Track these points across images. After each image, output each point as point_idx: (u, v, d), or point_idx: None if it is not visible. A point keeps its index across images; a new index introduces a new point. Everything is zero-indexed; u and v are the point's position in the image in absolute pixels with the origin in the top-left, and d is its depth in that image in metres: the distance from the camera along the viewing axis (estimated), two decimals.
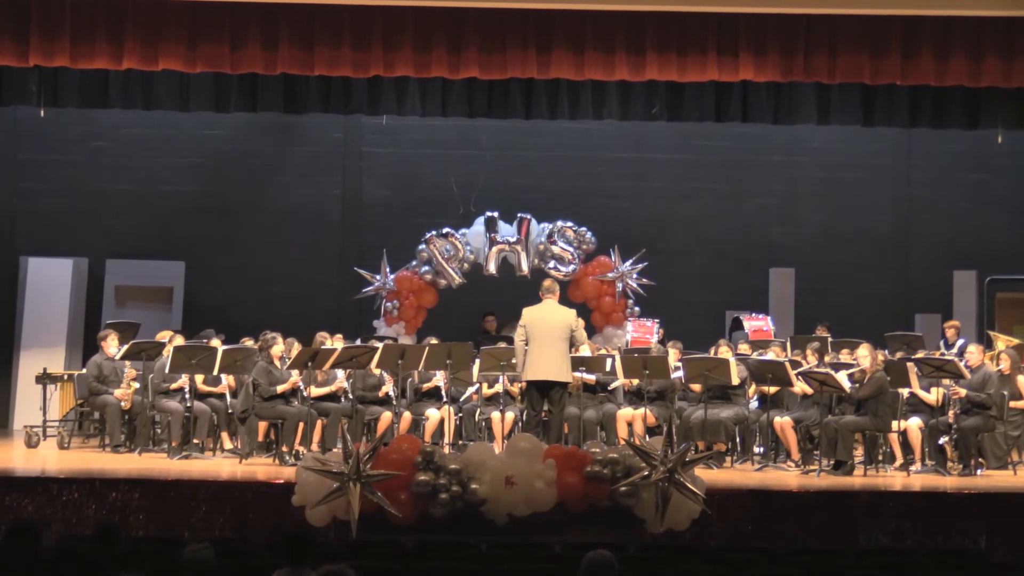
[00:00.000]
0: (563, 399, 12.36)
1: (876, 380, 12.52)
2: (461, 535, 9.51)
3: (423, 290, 17.01)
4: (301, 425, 12.70)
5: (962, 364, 12.84)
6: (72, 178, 17.96)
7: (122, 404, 13.51)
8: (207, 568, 6.86)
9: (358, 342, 14.07)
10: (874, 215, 18.59)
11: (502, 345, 14.05)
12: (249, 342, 13.93)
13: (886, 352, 14.12)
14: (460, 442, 13.23)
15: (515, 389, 13.63)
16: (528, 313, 12.30)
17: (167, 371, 13.30)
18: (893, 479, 12.47)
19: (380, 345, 13.27)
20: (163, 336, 14.24)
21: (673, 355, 13.65)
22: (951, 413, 12.78)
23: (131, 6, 13.77)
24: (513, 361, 12.69)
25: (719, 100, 15.55)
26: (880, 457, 12.95)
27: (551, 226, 17.00)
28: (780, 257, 18.27)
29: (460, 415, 13.73)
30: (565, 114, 15.75)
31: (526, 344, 12.17)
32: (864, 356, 12.72)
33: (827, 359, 13.89)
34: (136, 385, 13.59)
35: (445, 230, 17.00)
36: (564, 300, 15.56)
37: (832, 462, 12.48)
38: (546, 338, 12.11)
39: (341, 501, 9.72)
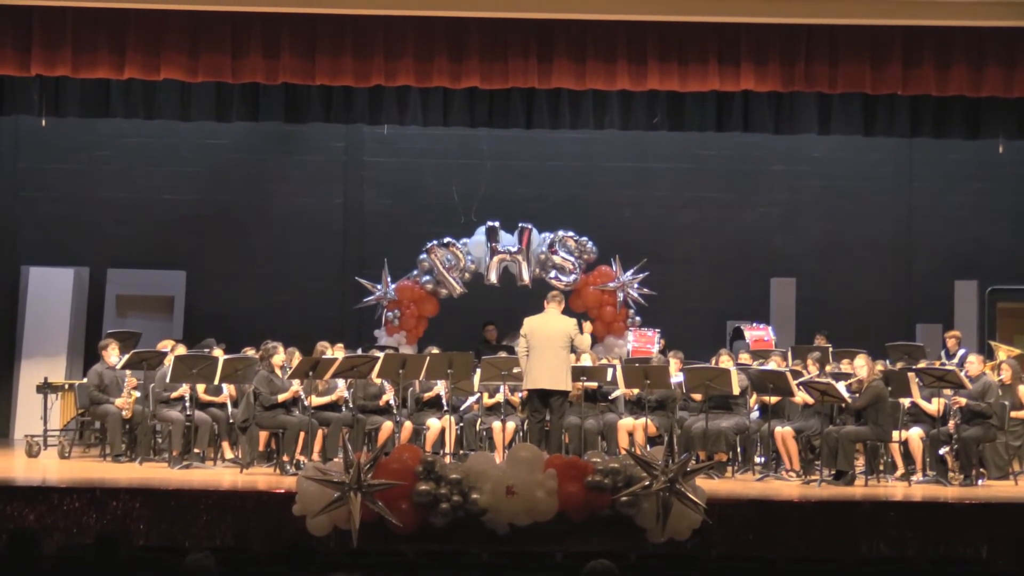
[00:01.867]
0: (563, 407, 12.45)
1: (873, 390, 12.51)
2: (462, 544, 9.51)
3: (424, 299, 17.01)
4: (302, 434, 12.69)
5: (963, 374, 12.83)
6: (73, 187, 17.97)
7: (123, 413, 13.51)
8: None
9: (359, 351, 14.07)
10: (875, 225, 18.60)
11: (503, 355, 14.05)
12: (250, 351, 13.92)
13: (886, 362, 14.11)
14: (461, 452, 13.22)
15: (516, 399, 13.63)
16: (529, 322, 12.46)
17: (168, 380, 13.28)
18: (894, 489, 12.45)
19: (381, 355, 13.26)
20: (164, 345, 14.25)
21: (674, 365, 13.66)
22: (952, 423, 12.77)
23: (133, 16, 13.77)
24: (515, 371, 12.78)
25: (720, 109, 15.59)
26: (881, 467, 12.93)
27: (552, 235, 17.00)
28: (781, 266, 18.27)
29: (461, 425, 13.72)
30: (566, 123, 15.77)
31: (527, 353, 12.30)
32: (861, 366, 12.73)
33: (828, 369, 13.88)
34: (137, 394, 13.59)
35: (446, 239, 17.00)
36: (566, 310, 15.62)
37: (833, 472, 12.46)
38: (545, 347, 12.28)
39: (342, 511, 9.71)
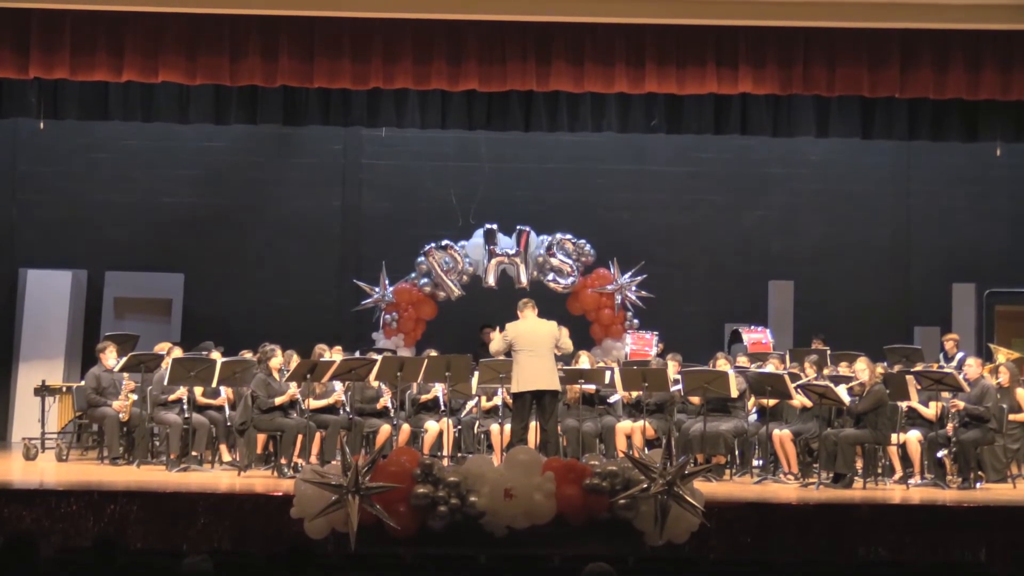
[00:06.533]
0: (556, 409, 12.44)
1: (875, 393, 12.52)
2: (460, 548, 9.49)
3: (422, 302, 17.01)
4: (300, 437, 12.69)
5: (961, 377, 12.83)
6: (71, 190, 17.97)
7: (120, 416, 13.50)
8: None
9: (357, 354, 14.07)
10: (873, 227, 18.60)
11: (501, 357, 14.05)
12: (248, 354, 13.92)
13: (885, 365, 14.11)
14: (459, 454, 13.22)
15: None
16: (513, 327, 12.50)
17: (166, 383, 13.28)
18: (892, 492, 12.46)
19: (379, 357, 13.26)
20: (162, 348, 14.23)
21: (672, 368, 13.65)
22: (950, 426, 12.78)
23: (131, 18, 13.77)
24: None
25: (718, 112, 15.57)
26: (879, 470, 12.93)
27: (550, 238, 17.00)
28: (779, 269, 18.27)
29: (459, 427, 13.71)
30: (564, 126, 15.75)
31: (506, 355, 12.51)
32: (862, 369, 12.73)
33: (826, 372, 13.88)
34: (134, 397, 13.58)
35: (444, 242, 17.00)
36: (564, 313, 15.68)
37: (831, 475, 12.47)
38: (535, 349, 12.35)
39: (340, 513, 9.69)
